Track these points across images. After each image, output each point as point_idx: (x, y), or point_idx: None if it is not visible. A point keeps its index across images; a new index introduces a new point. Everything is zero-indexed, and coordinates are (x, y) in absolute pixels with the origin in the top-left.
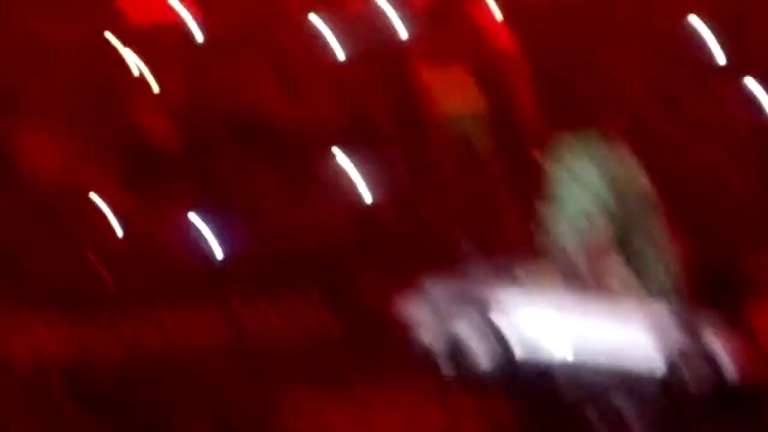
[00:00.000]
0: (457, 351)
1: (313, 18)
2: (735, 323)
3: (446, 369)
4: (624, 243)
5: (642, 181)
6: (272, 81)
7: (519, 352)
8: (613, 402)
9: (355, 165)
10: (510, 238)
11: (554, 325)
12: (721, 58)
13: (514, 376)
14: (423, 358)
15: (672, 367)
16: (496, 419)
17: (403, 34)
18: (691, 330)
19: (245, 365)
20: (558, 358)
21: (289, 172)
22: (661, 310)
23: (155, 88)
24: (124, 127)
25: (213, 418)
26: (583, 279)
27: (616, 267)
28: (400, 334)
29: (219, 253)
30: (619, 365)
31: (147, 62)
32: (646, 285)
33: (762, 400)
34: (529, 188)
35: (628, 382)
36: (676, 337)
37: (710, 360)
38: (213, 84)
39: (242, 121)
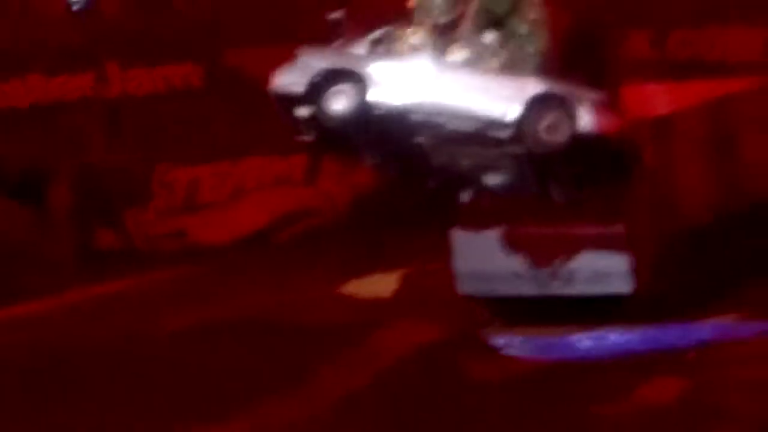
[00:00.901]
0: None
1: None
2: (600, 90)
3: (307, 131)
4: (494, 17)
5: None
6: None
7: (377, 99)
8: (468, 150)
9: None
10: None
11: (414, 78)
12: None
13: (369, 123)
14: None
15: (529, 115)
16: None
17: None
18: (554, 94)
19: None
20: (414, 104)
21: None
22: (527, 77)
23: None
24: None
25: None
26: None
27: (485, 41)
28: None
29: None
30: (475, 113)
31: None
32: (516, 60)
33: (615, 153)
34: None
35: (482, 130)
36: (538, 91)
37: (568, 113)
38: None
39: None
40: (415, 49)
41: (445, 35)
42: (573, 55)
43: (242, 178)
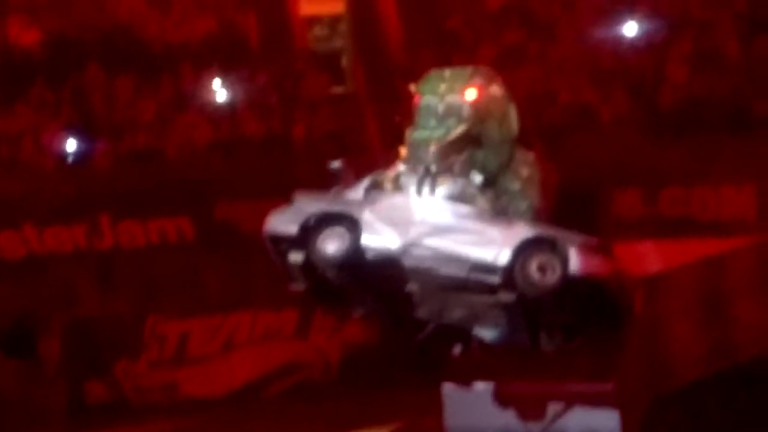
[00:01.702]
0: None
1: None
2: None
3: (299, 279)
4: (487, 174)
5: (512, 115)
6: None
7: (369, 244)
8: (458, 298)
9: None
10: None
11: (406, 221)
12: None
13: (361, 268)
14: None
15: (520, 259)
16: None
17: None
18: (544, 237)
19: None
20: (406, 248)
21: (160, 93)
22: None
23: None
24: None
25: None
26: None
27: (476, 196)
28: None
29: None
30: (465, 258)
31: None
32: (508, 215)
33: (607, 300)
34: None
35: (473, 274)
36: (528, 235)
37: (559, 255)
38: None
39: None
40: (406, 190)
41: (435, 178)
42: (564, 213)
43: (233, 332)
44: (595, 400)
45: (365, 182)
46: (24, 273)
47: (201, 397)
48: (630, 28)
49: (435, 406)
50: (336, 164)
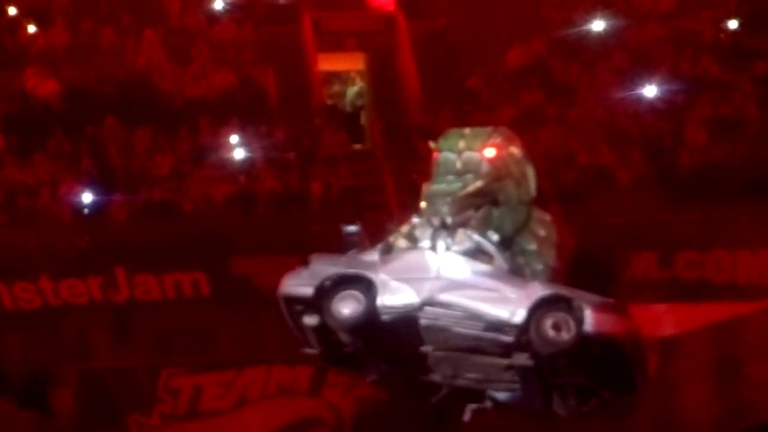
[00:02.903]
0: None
1: None
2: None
3: (314, 343)
4: (503, 234)
5: (531, 176)
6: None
7: (384, 304)
8: (472, 360)
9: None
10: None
11: (421, 279)
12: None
13: (376, 330)
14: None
15: (535, 317)
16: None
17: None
18: (560, 296)
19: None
20: (421, 306)
21: (177, 146)
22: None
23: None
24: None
25: None
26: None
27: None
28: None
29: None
30: (481, 315)
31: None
32: (524, 275)
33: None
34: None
35: (488, 332)
36: (544, 294)
37: (574, 313)
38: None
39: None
40: (420, 243)
41: (451, 232)
42: (580, 274)
43: (246, 387)
44: None
45: (382, 245)
46: (39, 324)
47: None
48: (649, 91)
49: None
50: (351, 228)
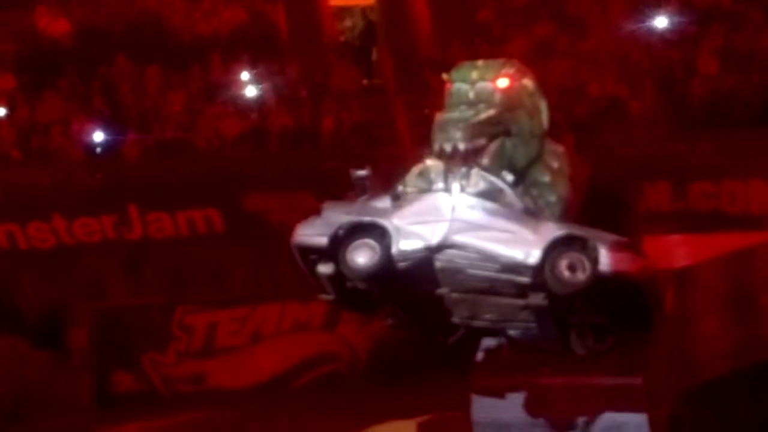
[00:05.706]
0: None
1: None
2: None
3: (329, 290)
4: (516, 168)
5: (543, 109)
6: None
7: (399, 249)
8: (489, 301)
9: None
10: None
11: (435, 222)
12: None
13: (392, 277)
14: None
15: (550, 258)
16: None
17: None
18: (574, 236)
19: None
20: (436, 249)
21: (189, 84)
22: (547, 221)
23: None
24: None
25: None
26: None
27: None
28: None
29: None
30: (496, 257)
31: None
32: (537, 207)
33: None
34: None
35: (503, 274)
36: (558, 234)
37: (589, 253)
38: None
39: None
40: (434, 185)
41: (464, 165)
42: (594, 206)
43: (261, 323)
44: (623, 395)
45: (394, 190)
46: (52, 263)
47: (228, 389)
48: (660, 22)
49: (462, 399)
50: (361, 172)
